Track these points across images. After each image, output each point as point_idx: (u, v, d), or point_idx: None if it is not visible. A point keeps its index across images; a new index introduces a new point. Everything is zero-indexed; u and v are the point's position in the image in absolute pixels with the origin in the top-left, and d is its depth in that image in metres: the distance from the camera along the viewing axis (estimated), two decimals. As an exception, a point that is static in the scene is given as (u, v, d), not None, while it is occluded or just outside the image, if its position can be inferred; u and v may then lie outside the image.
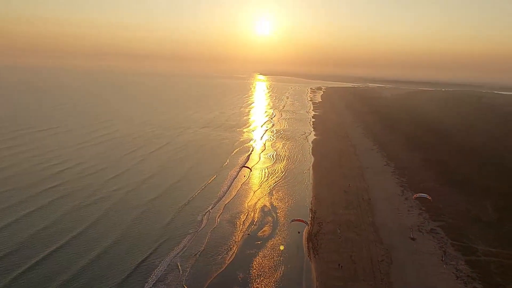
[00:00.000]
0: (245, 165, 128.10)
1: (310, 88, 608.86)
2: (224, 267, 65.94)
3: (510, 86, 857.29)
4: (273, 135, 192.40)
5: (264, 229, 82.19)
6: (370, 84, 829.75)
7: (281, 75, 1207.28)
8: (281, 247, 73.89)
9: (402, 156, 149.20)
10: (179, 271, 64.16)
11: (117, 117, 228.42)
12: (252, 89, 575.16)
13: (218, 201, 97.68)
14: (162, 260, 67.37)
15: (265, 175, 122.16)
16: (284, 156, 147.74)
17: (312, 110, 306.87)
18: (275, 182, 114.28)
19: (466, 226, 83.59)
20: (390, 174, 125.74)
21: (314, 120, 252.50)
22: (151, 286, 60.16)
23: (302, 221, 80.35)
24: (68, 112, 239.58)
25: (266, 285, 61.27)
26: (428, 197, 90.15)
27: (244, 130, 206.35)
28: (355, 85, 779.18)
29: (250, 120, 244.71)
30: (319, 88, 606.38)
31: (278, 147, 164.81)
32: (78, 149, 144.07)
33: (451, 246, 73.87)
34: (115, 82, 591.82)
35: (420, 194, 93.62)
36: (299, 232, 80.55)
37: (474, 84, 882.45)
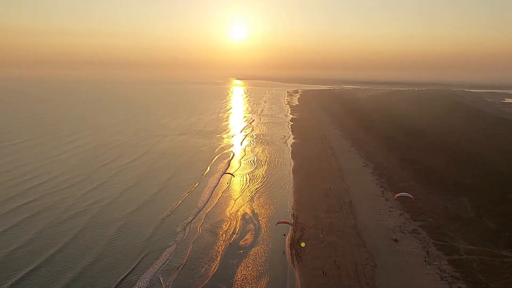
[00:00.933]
0: (227, 172, 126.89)
1: (287, 91, 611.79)
2: (208, 280, 64.35)
3: (478, 84, 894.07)
4: (252, 140, 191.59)
5: (246, 237, 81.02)
6: (345, 86, 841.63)
7: (258, 79, 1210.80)
8: (265, 255, 72.85)
9: (379, 156, 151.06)
10: (162, 287, 62.22)
11: (91, 127, 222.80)
12: (230, 94, 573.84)
13: (199, 211, 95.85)
14: (144, 275, 65.25)
15: (246, 181, 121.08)
16: (265, 161, 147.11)
17: (290, 114, 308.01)
18: (256, 188, 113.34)
19: (446, 224, 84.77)
20: (370, 175, 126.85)
21: (292, 123, 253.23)
22: (132, 304, 58.10)
23: (287, 223, 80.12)
24: (40, 124, 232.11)
25: (252, 296, 60.20)
26: (409, 195, 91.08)
27: (224, 136, 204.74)
28: (331, 87, 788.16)
29: (229, 126, 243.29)
30: (296, 91, 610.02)
31: (258, 152, 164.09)
32: (52, 162, 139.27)
33: (433, 246, 74.56)
34: (86, 91, 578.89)
35: (401, 193, 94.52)
36: (284, 235, 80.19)
37: (445, 83, 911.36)
